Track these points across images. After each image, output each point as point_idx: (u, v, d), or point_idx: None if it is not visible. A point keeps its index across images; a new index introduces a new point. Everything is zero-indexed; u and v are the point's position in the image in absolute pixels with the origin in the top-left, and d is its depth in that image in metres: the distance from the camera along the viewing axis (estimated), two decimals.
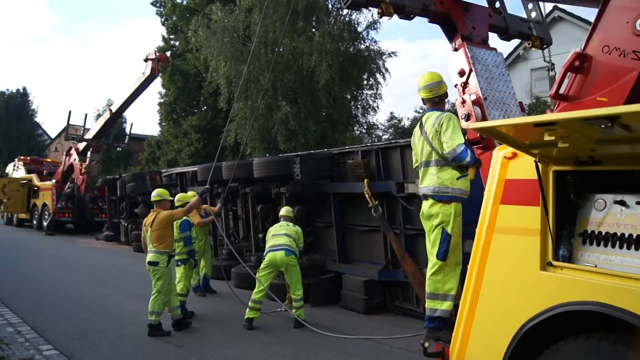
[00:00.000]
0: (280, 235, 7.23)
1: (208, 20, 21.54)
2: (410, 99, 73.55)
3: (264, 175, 9.23)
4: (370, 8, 21.03)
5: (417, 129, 4.88)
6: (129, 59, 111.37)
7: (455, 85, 5.42)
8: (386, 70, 21.74)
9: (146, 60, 18.44)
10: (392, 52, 21.86)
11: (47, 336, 6.53)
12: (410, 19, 5.57)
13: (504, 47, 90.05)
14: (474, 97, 5.02)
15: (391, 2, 5.23)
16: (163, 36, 31.51)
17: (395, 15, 5.34)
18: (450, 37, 5.64)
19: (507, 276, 3.24)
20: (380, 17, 5.31)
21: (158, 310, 6.66)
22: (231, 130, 21.29)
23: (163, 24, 31.58)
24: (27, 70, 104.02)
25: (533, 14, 6.27)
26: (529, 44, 6.20)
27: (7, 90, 51.41)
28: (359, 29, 21.56)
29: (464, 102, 5.07)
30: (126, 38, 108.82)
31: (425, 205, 4.65)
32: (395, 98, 71.00)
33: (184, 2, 29.76)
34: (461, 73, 5.27)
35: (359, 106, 22.81)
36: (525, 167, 3.24)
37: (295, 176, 8.62)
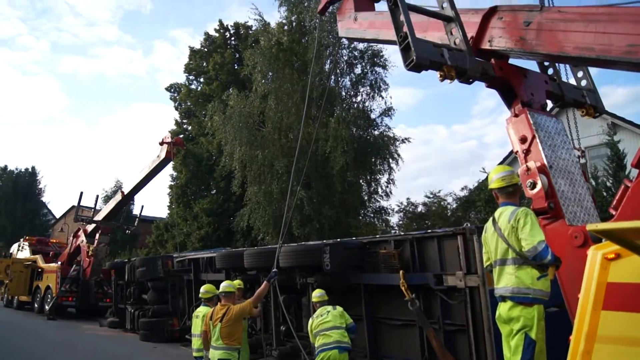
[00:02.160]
0: (329, 330, 6.66)
1: (224, 106, 21.92)
2: (411, 183, 74.12)
3: (290, 265, 8.83)
4: (384, 94, 21.66)
5: (489, 225, 4.60)
6: (137, 141, 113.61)
7: (516, 153, 5.19)
8: (399, 155, 21.85)
9: (162, 143, 18.51)
10: (406, 138, 22.07)
11: None
12: (469, 83, 5.50)
13: None
14: (538, 164, 4.76)
15: (453, 65, 5.14)
16: (176, 120, 32.14)
17: (454, 80, 5.25)
18: (509, 103, 5.50)
19: None
20: (442, 81, 5.19)
21: None
22: (244, 214, 21.09)
23: (176, 109, 32.34)
24: (37, 150, 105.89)
25: (583, 82, 6.15)
26: (582, 112, 6.03)
27: (16, 169, 52.03)
28: (373, 116, 21.90)
29: (528, 169, 4.80)
30: (135, 121, 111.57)
31: (504, 307, 4.28)
32: (397, 182, 71.41)
33: (199, 89, 30.56)
34: (523, 139, 5.06)
35: (372, 191, 22.70)
36: (634, 269, 2.93)
37: (325, 266, 8.24)
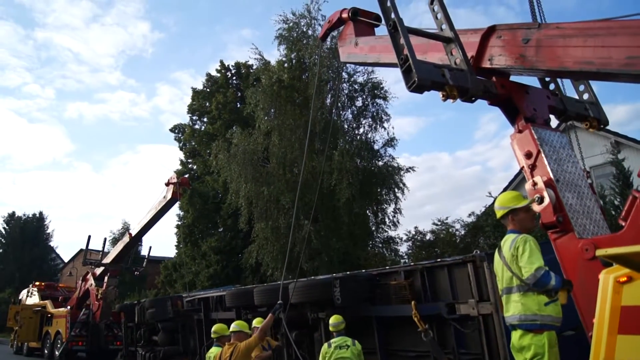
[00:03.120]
0: None
1: (228, 144, 22.12)
2: (418, 211, 73.86)
3: (300, 300, 8.79)
4: (386, 125, 21.82)
5: (496, 254, 4.63)
6: (143, 182, 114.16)
7: (522, 168, 5.21)
8: (404, 185, 21.89)
9: (167, 184, 18.64)
10: (410, 167, 22.14)
11: None
12: (472, 101, 5.52)
13: None
14: (545, 178, 4.76)
15: (455, 85, 5.19)
16: (181, 160, 32.40)
17: (456, 99, 5.30)
18: (512, 120, 5.50)
19: None
20: (445, 100, 5.23)
21: None
22: (252, 251, 21.06)
23: (181, 149, 32.64)
24: (44, 195, 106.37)
25: (585, 96, 6.16)
26: (586, 125, 6.03)
27: (24, 215, 52.12)
28: (376, 147, 22.04)
29: (534, 184, 4.79)
30: (140, 163, 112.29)
31: (515, 336, 4.26)
32: (404, 210, 71.26)
33: (203, 128, 30.90)
34: (528, 155, 5.05)
35: (379, 221, 22.67)
36: None
37: (336, 300, 8.19)
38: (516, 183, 20.47)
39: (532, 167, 4.98)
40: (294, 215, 10.26)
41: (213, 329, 7.30)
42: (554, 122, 5.97)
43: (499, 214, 4.81)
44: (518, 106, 5.46)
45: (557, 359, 4.19)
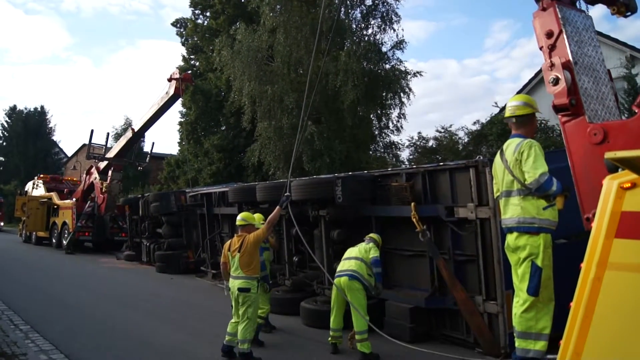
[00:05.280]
0: (350, 259, 6.83)
1: (232, 41, 21.50)
2: (421, 118, 73.39)
3: (302, 198, 8.91)
4: (396, 27, 20.96)
5: (497, 156, 4.59)
6: (145, 79, 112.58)
7: (541, 48, 4.99)
8: (410, 89, 21.54)
9: (170, 80, 18.38)
10: (418, 72, 21.69)
11: None
12: None
13: (532, 65, 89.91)
14: (563, 60, 4.60)
15: None
16: (183, 56, 31.67)
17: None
18: None
19: (623, 317, 2.91)
20: None
21: (250, 337, 6.37)
22: (254, 150, 21.13)
23: (183, 44, 31.83)
24: (45, 90, 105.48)
25: None
26: (613, 10, 5.74)
27: (25, 108, 51.97)
28: (384, 49, 21.45)
29: (552, 65, 4.63)
30: (142, 58, 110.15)
31: (510, 237, 4.33)
32: (408, 117, 70.89)
33: (206, 23, 29.90)
34: (549, 34, 4.85)
35: (383, 126, 22.56)
36: None
37: (337, 199, 8.30)
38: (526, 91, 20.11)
39: (552, 48, 4.76)
40: (303, 114, 10.04)
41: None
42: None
43: (520, 111, 4.67)
44: None
45: (551, 260, 4.28)
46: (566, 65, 4.51)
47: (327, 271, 8.04)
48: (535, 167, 4.24)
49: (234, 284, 6.52)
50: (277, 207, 6.97)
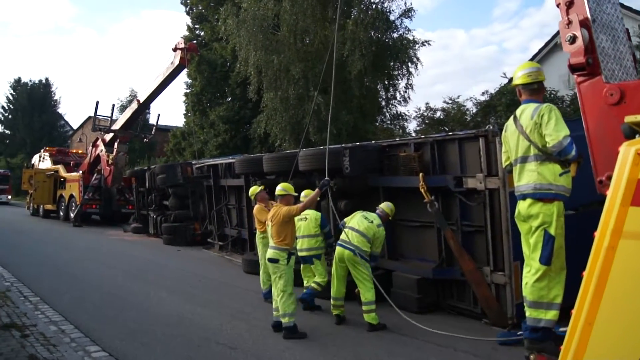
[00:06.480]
0: (355, 231, 6.79)
1: (237, 9, 21.13)
2: (429, 90, 72.64)
3: (309, 168, 8.83)
4: None
5: (510, 123, 4.46)
6: (149, 49, 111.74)
7: (558, 5, 4.79)
8: (418, 59, 21.17)
9: (175, 49, 18.22)
10: (426, 41, 21.28)
11: (93, 336, 6.22)
12: None
13: (542, 36, 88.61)
14: (581, 17, 4.42)
15: None
16: (188, 25, 31.29)
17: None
18: None
19: (637, 287, 2.84)
20: None
21: (291, 311, 6.35)
22: (260, 121, 20.97)
23: (188, 14, 31.39)
24: (49, 61, 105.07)
25: None
26: None
27: (30, 80, 51.68)
28: (392, 17, 21.03)
29: (569, 22, 4.45)
30: (145, 29, 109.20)
31: (523, 205, 4.24)
32: (415, 88, 70.38)
33: None
34: None
35: (390, 96, 22.27)
36: None
37: (345, 169, 8.22)
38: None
39: (569, 4, 4.56)
40: (319, 82, 9.72)
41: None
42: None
43: (542, 76, 4.59)
44: None
45: (563, 228, 4.20)
46: (584, 23, 4.34)
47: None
48: (557, 130, 4.15)
49: (268, 253, 6.60)
50: (317, 189, 6.80)
